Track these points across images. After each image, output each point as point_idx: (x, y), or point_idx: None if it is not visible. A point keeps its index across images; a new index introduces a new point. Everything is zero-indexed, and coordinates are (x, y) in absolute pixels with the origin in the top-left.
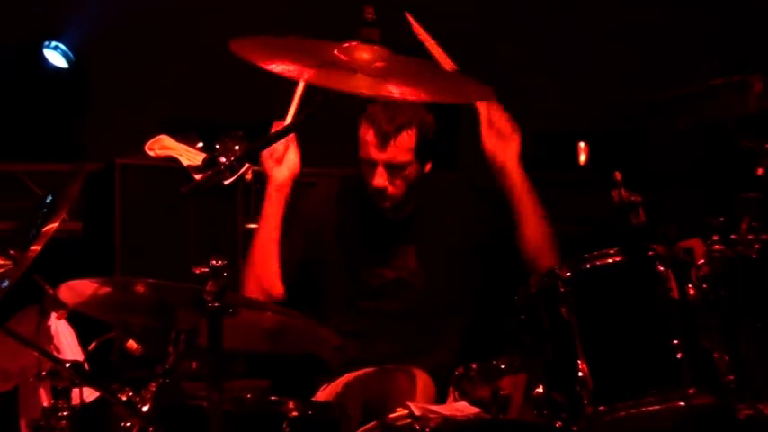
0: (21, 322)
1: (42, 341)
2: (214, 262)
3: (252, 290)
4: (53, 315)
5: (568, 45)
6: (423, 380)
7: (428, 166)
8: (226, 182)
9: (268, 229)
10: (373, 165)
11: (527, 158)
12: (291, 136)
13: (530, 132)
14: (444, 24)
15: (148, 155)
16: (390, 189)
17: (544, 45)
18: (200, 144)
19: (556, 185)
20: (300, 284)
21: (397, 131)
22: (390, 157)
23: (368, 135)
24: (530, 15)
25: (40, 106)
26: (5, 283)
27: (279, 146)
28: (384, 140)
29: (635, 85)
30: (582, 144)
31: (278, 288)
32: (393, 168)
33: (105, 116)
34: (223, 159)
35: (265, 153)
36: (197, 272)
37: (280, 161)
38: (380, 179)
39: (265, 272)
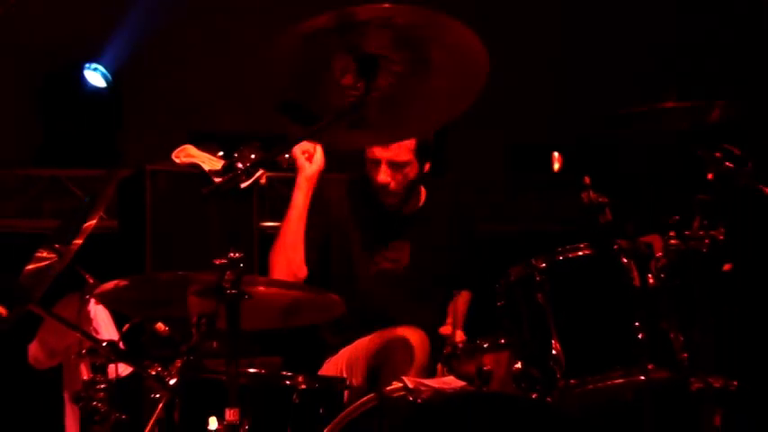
0: (64, 307)
1: (83, 323)
2: (232, 254)
3: (280, 272)
4: (92, 301)
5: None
6: (418, 340)
7: (427, 167)
8: (242, 185)
9: (297, 215)
10: (377, 163)
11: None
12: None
13: (511, 143)
14: None
15: (175, 162)
16: (392, 184)
17: (527, 66)
18: (221, 152)
19: (533, 189)
20: (320, 265)
21: None
22: (392, 155)
23: None
24: (510, 35)
25: (81, 120)
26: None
27: (309, 144)
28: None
29: (604, 101)
30: (556, 154)
31: (303, 270)
32: (395, 166)
33: (138, 129)
34: (240, 165)
35: (297, 149)
36: (217, 263)
37: (310, 158)
38: (384, 176)
39: (295, 255)
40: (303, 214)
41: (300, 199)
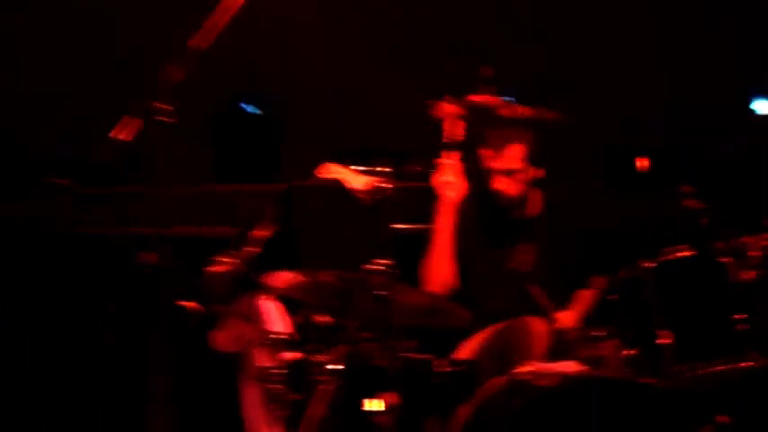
0: (241, 303)
1: (254, 318)
2: (379, 261)
3: (432, 284)
4: (264, 298)
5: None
6: (540, 329)
7: (540, 172)
8: (378, 197)
9: (442, 240)
10: (492, 173)
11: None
12: (458, 166)
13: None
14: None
15: (318, 178)
16: (508, 190)
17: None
18: (360, 169)
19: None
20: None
21: (507, 144)
22: (503, 165)
23: (486, 152)
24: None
25: (246, 143)
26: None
27: (451, 175)
28: (497, 153)
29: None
30: (642, 158)
31: (454, 282)
32: (508, 173)
33: (293, 150)
34: (384, 185)
35: (438, 179)
36: (366, 268)
37: (450, 185)
38: (500, 184)
39: (443, 270)
40: (448, 239)
41: (444, 224)
